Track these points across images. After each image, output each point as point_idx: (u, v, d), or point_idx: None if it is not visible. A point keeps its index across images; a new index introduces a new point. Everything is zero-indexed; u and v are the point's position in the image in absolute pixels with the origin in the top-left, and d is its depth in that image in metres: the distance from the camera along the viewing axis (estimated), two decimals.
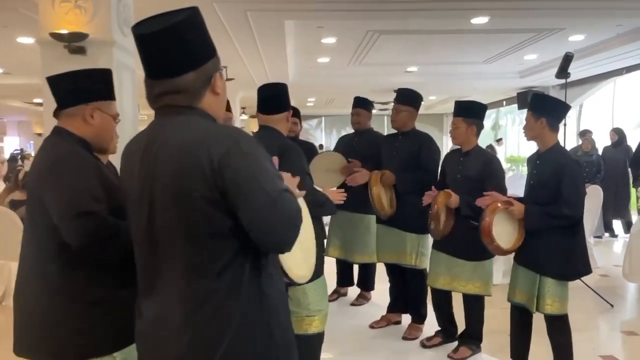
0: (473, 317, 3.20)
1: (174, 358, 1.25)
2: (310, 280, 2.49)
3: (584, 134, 7.58)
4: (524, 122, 2.86)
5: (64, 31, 3.68)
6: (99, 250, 1.55)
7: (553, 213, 2.64)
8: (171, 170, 1.22)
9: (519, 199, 2.86)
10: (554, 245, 2.67)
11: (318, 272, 2.55)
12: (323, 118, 18.75)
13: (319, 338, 2.60)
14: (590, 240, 5.64)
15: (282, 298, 1.37)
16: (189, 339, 1.22)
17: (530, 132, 2.83)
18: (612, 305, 4.45)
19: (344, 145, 4.13)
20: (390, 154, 3.63)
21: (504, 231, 2.76)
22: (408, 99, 3.61)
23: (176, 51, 1.25)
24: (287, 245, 1.27)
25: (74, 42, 3.73)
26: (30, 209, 1.68)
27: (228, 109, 3.70)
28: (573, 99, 10.01)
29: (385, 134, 4.09)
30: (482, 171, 3.07)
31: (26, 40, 6.24)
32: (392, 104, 3.70)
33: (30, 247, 1.67)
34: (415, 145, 3.50)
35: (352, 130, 4.26)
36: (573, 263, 2.71)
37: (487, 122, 19.76)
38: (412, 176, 3.44)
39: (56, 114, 1.79)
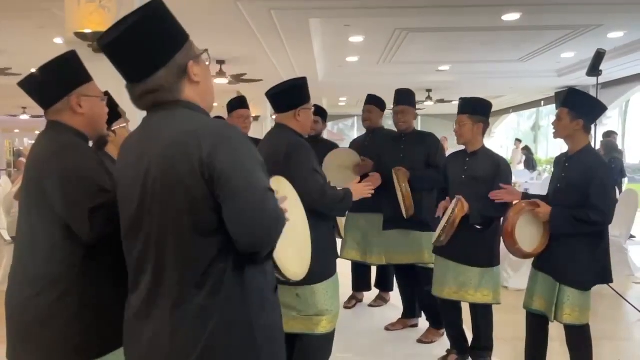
0: (483, 327, 3.02)
1: (155, 350, 1.26)
2: (320, 281, 2.47)
3: (609, 135, 7.32)
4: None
5: (88, 30, 3.77)
6: (110, 243, 1.47)
7: (581, 218, 2.49)
8: (162, 163, 1.23)
9: (541, 198, 2.72)
10: (577, 253, 2.54)
11: (329, 272, 2.51)
12: (355, 118, 18.61)
13: (327, 338, 2.54)
14: (625, 246, 5.38)
15: (269, 297, 1.36)
16: (170, 332, 1.24)
17: (563, 131, 2.63)
18: None
19: (357, 146, 4.03)
20: (397, 155, 3.53)
21: (526, 233, 2.63)
22: (410, 97, 3.56)
23: (139, 54, 1.25)
24: (264, 245, 1.26)
25: None
26: (29, 202, 1.60)
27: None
28: (614, 98, 9.59)
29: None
30: (491, 173, 2.90)
31: (61, 40, 6.43)
32: (394, 107, 3.60)
33: (31, 239, 1.58)
34: (423, 145, 3.49)
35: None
36: (595, 272, 2.57)
37: (528, 122, 19.24)
38: (428, 174, 3.40)
39: (45, 112, 1.70)
